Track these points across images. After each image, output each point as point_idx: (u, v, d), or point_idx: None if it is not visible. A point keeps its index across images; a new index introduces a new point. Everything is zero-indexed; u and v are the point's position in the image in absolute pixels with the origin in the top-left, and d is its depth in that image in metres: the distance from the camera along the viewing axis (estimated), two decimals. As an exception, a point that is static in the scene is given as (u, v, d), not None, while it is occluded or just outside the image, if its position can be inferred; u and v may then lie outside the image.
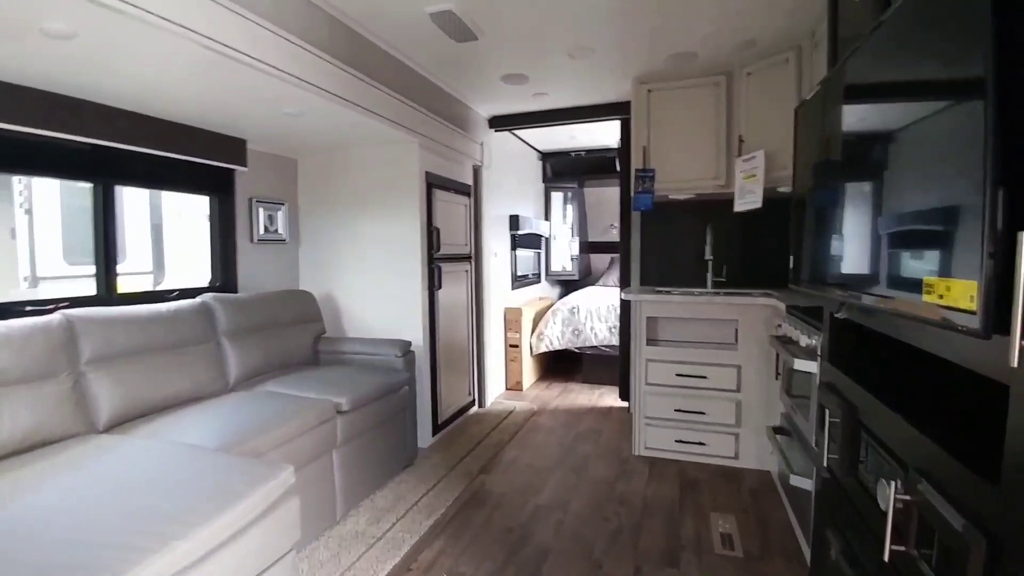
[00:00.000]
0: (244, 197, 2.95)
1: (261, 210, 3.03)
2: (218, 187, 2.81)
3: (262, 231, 3.04)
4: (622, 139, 3.91)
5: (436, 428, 3.32)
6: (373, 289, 3.24)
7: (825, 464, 1.40)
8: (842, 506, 1.31)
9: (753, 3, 2.30)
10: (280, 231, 3.19)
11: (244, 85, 2.00)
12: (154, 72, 1.87)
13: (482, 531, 2.22)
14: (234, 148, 2.76)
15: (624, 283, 3.94)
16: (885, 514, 1.01)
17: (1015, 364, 0.57)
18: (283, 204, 3.21)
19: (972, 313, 0.63)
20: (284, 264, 3.29)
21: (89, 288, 2.31)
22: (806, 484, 1.77)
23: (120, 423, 1.95)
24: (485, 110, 4.03)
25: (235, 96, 2.14)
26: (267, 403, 2.10)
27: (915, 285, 0.80)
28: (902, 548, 0.90)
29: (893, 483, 0.92)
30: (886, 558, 0.92)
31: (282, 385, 2.39)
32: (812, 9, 2.32)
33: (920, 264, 0.80)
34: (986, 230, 0.60)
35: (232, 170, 2.82)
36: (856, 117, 1.10)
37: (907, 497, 0.90)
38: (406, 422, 2.82)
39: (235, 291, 2.87)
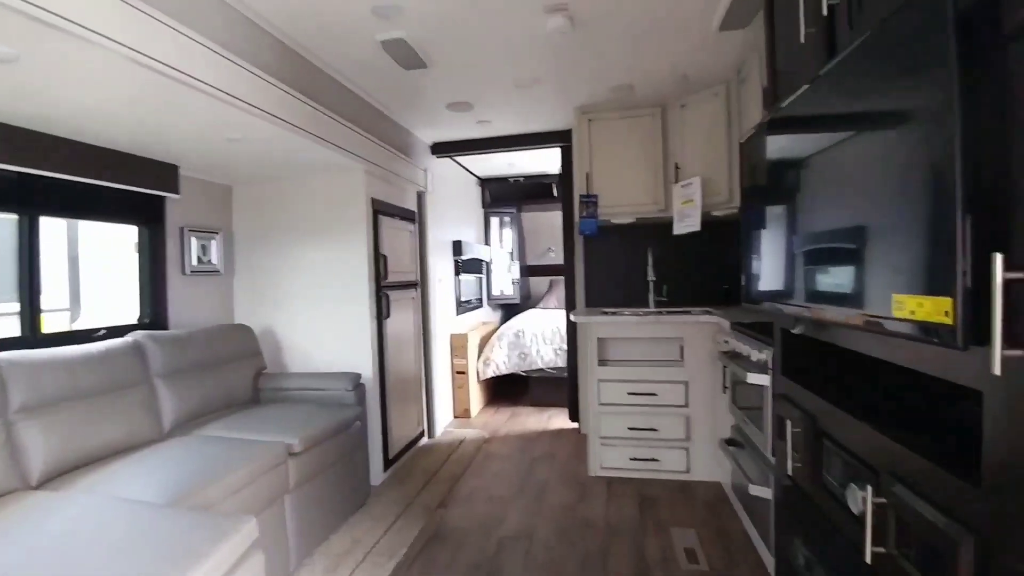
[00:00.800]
0: (175, 226, 2.72)
1: (194, 240, 2.79)
2: (148, 216, 2.58)
3: (195, 262, 2.80)
4: (563, 166, 4.05)
5: (387, 463, 3.16)
6: (317, 321, 3.07)
7: (789, 472, 1.48)
8: (808, 512, 1.38)
9: (685, 43, 2.50)
10: (214, 261, 2.95)
11: (189, 109, 1.88)
12: (98, 96, 1.73)
13: (449, 570, 2.11)
14: (166, 174, 2.54)
15: (569, 305, 4.02)
16: (856, 518, 1.08)
17: (998, 372, 0.63)
18: (217, 233, 2.98)
19: (949, 327, 0.70)
20: (218, 297, 3.04)
21: (9, 327, 2.06)
22: (765, 493, 1.86)
23: (54, 477, 1.74)
24: (428, 136, 4.02)
25: (177, 120, 2.01)
26: (213, 449, 1.91)
27: (883, 302, 0.87)
28: (882, 549, 0.96)
29: (869, 487, 0.98)
30: (868, 560, 0.97)
31: (225, 428, 2.18)
32: (737, 50, 2.56)
33: (887, 283, 0.87)
34: (959, 252, 0.67)
35: (163, 198, 2.60)
36: (809, 145, 1.21)
37: (882, 500, 0.96)
38: (359, 459, 2.66)
39: (166, 327, 2.60)
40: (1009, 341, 0.63)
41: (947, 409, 1.06)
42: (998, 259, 0.62)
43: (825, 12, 1.12)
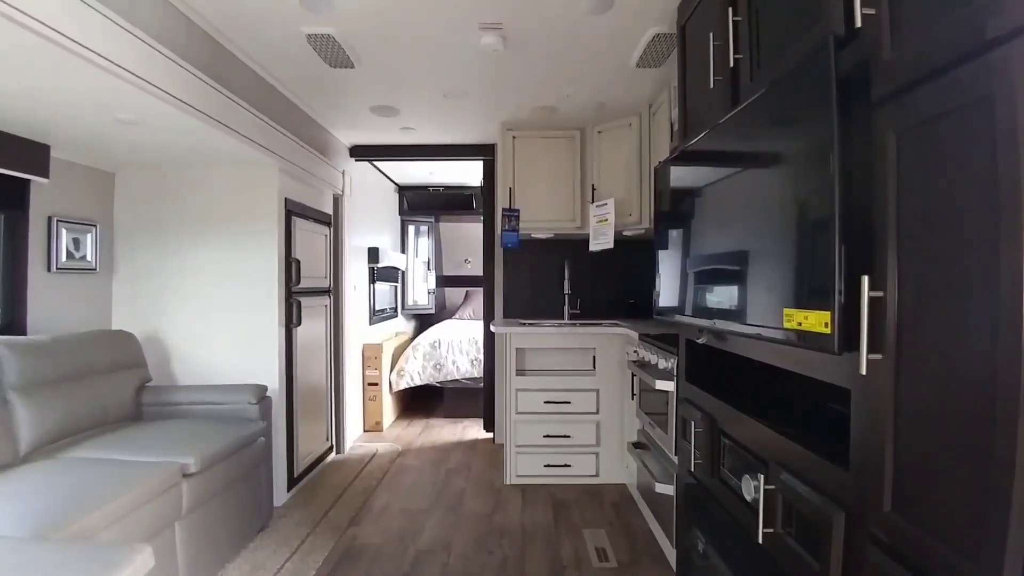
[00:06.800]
0: (41, 215, 2.34)
1: (64, 231, 2.43)
2: (5, 201, 2.19)
3: (64, 258, 2.43)
4: (485, 179, 4.12)
5: (292, 482, 2.95)
6: (216, 328, 2.80)
7: (691, 469, 1.64)
8: (707, 505, 1.54)
9: (605, 75, 2.71)
10: (88, 258, 2.59)
11: (73, 81, 1.65)
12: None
13: (362, 590, 2.03)
14: (32, 154, 2.18)
15: (488, 316, 4.08)
16: (749, 505, 1.23)
17: (864, 372, 0.77)
18: (94, 225, 2.62)
19: (828, 335, 0.84)
20: (92, 299, 2.66)
21: None
22: (668, 490, 2.03)
23: None
24: (347, 138, 3.89)
25: (57, 94, 1.75)
26: (85, 472, 1.65)
27: (776, 316, 1.02)
28: (771, 530, 1.10)
29: (761, 476, 1.13)
30: (760, 540, 1.11)
31: (101, 448, 1.90)
32: (651, 86, 2.82)
33: (779, 299, 1.02)
34: (837, 275, 0.82)
35: (27, 181, 2.22)
36: (713, 176, 1.37)
37: (771, 487, 1.11)
38: (261, 479, 2.46)
39: (23, 332, 2.22)
40: (872, 347, 0.78)
41: (824, 407, 1.25)
42: (865, 280, 0.77)
43: (732, 64, 1.29)
